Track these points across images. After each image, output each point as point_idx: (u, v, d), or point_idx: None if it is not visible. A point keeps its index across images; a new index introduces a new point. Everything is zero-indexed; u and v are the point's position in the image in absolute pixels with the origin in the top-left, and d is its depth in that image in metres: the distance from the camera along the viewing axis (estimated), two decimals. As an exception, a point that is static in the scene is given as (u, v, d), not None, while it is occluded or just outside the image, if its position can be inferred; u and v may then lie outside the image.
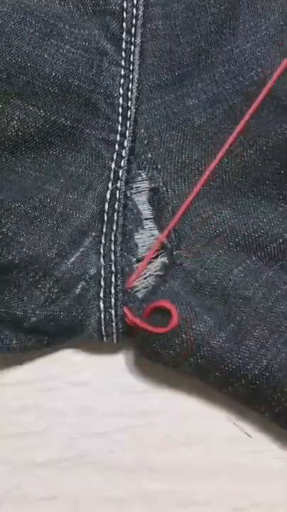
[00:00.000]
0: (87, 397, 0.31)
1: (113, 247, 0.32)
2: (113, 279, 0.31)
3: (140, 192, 0.33)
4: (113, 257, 0.32)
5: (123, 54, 0.34)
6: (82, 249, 0.32)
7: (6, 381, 0.31)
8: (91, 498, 0.29)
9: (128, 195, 0.33)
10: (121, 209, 0.32)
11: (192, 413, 0.30)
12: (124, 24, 0.34)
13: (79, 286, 0.31)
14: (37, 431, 0.30)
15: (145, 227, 0.33)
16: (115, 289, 0.31)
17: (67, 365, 0.32)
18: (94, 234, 0.32)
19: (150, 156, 0.33)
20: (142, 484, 0.29)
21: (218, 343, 0.29)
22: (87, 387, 0.31)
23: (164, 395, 0.31)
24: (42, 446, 0.30)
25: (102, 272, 0.31)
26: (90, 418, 0.30)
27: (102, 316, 0.31)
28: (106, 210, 0.32)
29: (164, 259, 0.32)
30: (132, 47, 0.34)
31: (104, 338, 0.31)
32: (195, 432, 0.30)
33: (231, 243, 0.31)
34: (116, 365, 0.31)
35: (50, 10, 0.34)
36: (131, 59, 0.34)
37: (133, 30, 0.34)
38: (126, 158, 0.33)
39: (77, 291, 0.31)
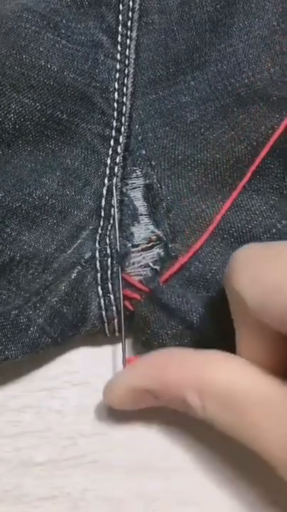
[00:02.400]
0: (87, 397, 0.31)
1: (108, 233, 0.32)
2: (109, 263, 0.31)
3: (135, 188, 0.33)
4: (108, 241, 0.32)
5: (119, 47, 0.34)
6: (79, 241, 0.32)
7: (5, 381, 0.31)
8: (91, 498, 0.29)
9: (124, 191, 0.33)
10: (117, 205, 0.33)
11: (191, 413, 0.31)
12: (120, 17, 0.34)
13: (75, 271, 0.31)
14: (37, 431, 0.30)
15: (141, 222, 0.33)
16: (111, 273, 0.31)
17: (67, 365, 0.32)
18: (91, 227, 0.32)
19: (144, 152, 0.33)
20: (142, 484, 0.29)
21: (212, 334, 0.29)
22: (87, 387, 0.31)
23: (164, 395, 0.31)
24: (42, 446, 0.30)
25: (97, 255, 0.32)
26: (90, 418, 0.30)
27: (102, 301, 0.31)
28: (103, 206, 0.33)
29: (160, 250, 0.32)
30: (128, 40, 0.34)
31: (106, 326, 0.31)
32: (195, 432, 0.30)
33: (225, 235, 0.32)
34: (116, 365, 0.31)
35: (48, 5, 0.34)
36: (127, 53, 0.34)
37: (129, 24, 0.34)
38: (121, 155, 0.33)
39: (73, 275, 0.31)
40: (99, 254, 0.32)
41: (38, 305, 0.30)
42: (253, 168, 0.32)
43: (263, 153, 0.32)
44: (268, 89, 0.32)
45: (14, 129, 0.32)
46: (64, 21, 0.34)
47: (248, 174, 0.32)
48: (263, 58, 0.32)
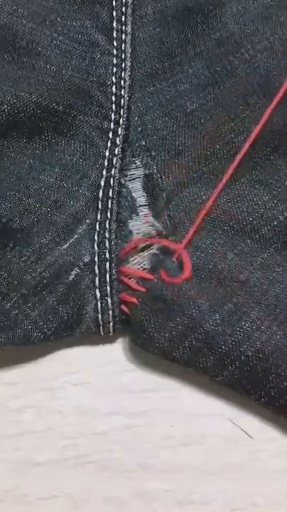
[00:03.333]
0: (87, 397, 0.31)
1: (107, 235, 0.32)
2: (107, 267, 0.31)
3: (134, 179, 0.33)
4: (107, 245, 0.32)
5: (115, 43, 0.34)
6: (76, 236, 0.32)
7: (6, 381, 0.31)
8: (91, 498, 0.29)
9: (123, 182, 0.33)
10: (115, 196, 0.33)
11: (191, 413, 0.30)
12: (114, 13, 0.35)
13: (73, 273, 0.31)
14: (37, 431, 0.30)
15: (140, 213, 0.33)
16: (110, 277, 0.31)
17: (67, 365, 0.31)
18: (88, 221, 0.32)
19: (144, 143, 0.33)
20: (141, 484, 0.29)
21: (211, 326, 0.29)
22: (87, 387, 0.31)
23: (164, 394, 0.31)
24: (42, 446, 0.30)
25: (96, 259, 0.31)
26: (90, 418, 0.30)
27: (99, 304, 0.31)
28: (101, 197, 0.33)
29: (161, 245, 0.32)
30: (123, 35, 0.34)
31: (101, 329, 0.31)
32: (195, 432, 0.30)
33: (225, 227, 0.32)
34: (116, 365, 0.31)
35: (40, 3, 0.34)
36: (123, 48, 0.34)
37: (123, 19, 0.34)
38: (120, 146, 0.33)
39: (71, 277, 0.31)
40: (98, 258, 0.32)
41: (36, 304, 0.31)
42: (243, 151, 0.32)
43: (252, 138, 0.31)
44: (266, 64, 0.32)
45: (8, 120, 0.32)
46: (59, 19, 0.34)
47: (237, 160, 0.32)
48: (261, 29, 0.32)
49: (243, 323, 0.29)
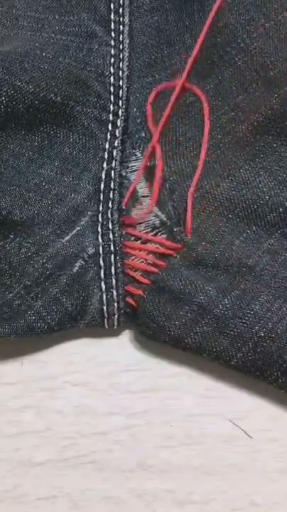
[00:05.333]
0: (86, 397, 0.31)
1: (111, 226, 0.32)
2: (112, 260, 0.31)
3: (135, 171, 0.33)
4: (111, 236, 0.32)
5: (113, 34, 0.34)
6: (78, 228, 0.32)
7: (6, 381, 0.31)
8: (91, 498, 0.29)
9: (124, 174, 0.33)
10: (116, 188, 0.32)
11: (191, 413, 0.30)
12: (112, 5, 0.34)
13: (77, 265, 0.31)
14: (36, 431, 0.30)
15: (143, 203, 0.33)
16: (115, 269, 0.31)
17: (67, 365, 0.31)
18: (90, 213, 0.32)
19: (143, 134, 0.33)
20: (141, 484, 0.29)
21: (221, 311, 0.29)
22: (87, 387, 0.31)
23: (164, 394, 0.31)
24: (41, 446, 0.30)
25: (101, 252, 0.32)
26: (90, 418, 0.30)
27: (104, 296, 0.31)
28: (102, 189, 0.32)
29: (164, 236, 0.32)
30: (121, 26, 0.34)
31: (106, 321, 0.31)
32: (195, 432, 0.30)
33: (230, 215, 0.32)
34: (116, 365, 0.31)
35: (40, 3, 0.34)
36: (121, 38, 0.34)
37: (120, 10, 0.34)
38: (119, 138, 0.33)
39: (75, 269, 0.31)
40: (103, 251, 0.32)
41: (39, 295, 0.31)
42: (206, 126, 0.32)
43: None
44: (265, 62, 0.32)
45: (6, 112, 0.31)
46: (57, 16, 0.34)
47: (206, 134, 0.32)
48: (256, 17, 0.32)
49: (253, 306, 0.29)
